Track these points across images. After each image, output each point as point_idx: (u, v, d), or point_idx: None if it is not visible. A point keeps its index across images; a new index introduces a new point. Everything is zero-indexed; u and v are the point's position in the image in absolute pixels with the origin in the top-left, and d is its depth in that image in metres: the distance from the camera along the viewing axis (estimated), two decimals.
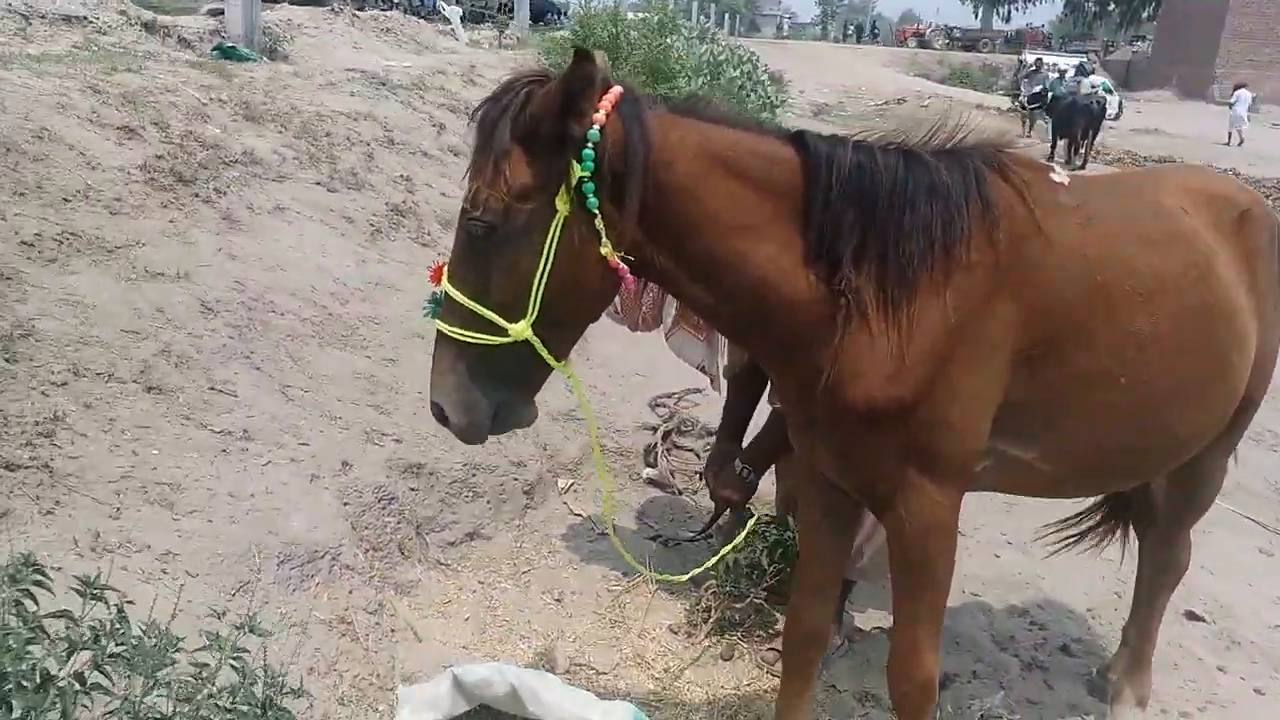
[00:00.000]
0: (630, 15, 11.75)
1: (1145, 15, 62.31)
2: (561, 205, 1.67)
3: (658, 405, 4.39)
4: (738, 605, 3.01)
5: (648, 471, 3.85)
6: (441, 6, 12.91)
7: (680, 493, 3.80)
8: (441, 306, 1.77)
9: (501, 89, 1.70)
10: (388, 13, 10.53)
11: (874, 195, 1.83)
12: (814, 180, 1.81)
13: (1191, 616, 3.47)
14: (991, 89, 39.37)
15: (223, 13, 7.71)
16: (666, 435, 4.02)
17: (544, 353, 1.75)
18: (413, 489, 3.16)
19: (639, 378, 4.64)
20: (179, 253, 3.58)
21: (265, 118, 5.25)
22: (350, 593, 2.64)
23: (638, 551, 3.38)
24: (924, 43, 52.67)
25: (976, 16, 70.28)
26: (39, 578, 1.45)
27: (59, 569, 2.01)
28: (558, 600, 3.09)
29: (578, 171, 1.65)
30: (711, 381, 3.22)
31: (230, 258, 3.74)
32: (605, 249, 1.70)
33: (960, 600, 3.44)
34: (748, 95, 15.60)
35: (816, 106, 31.61)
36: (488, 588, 3.08)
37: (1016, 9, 70.36)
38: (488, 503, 3.37)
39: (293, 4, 10.30)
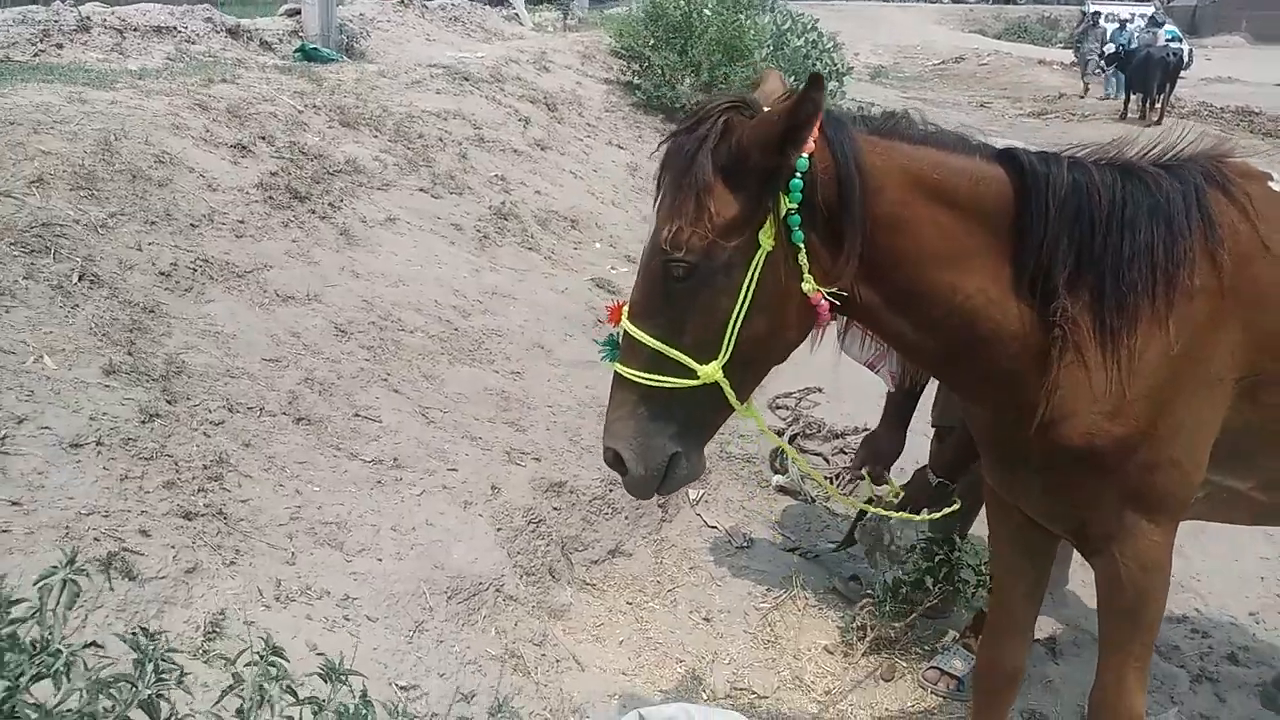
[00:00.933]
0: None
1: None
2: (766, 240, 1.57)
3: (778, 407, 4.30)
4: (895, 624, 2.94)
5: (777, 479, 3.77)
6: None
7: (813, 500, 3.73)
8: (620, 348, 1.68)
9: (696, 118, 1.60)
10: (455, 2, 10.47)
11: (1092, 218, 1.70)
12: (1028, 203, 1.68)
13: None
14: (1051, 42, 38.16)
15: (299, 12, 7.73)
16: (793, 439, 3.94)
17: (731, 395, 1.65)
18: (555, 509, 3.13)
19: None
20: (305, 273, 3.58)
21: (360, 122, 5.24)
22: (516, 624, 2.62)
23: (779, 565, 3.34)
24: None
25: None
26: (279, 660, 1.42)
27: (251, 623, 2.00)
28: (706, 620, 3.04)
29: (785, 204, 1.56)
30: (890, 379, 3.10)
31: (354, 275, 3.74)
32: (808, 285, 1.60)
33: None
34: (814, 64, 15.33)
35: (873, 69, 31.00)
36: (636, 608, 3.05)
37: None
38: (625, 518, 3.33)
39: None
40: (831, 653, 2.94)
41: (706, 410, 1.69)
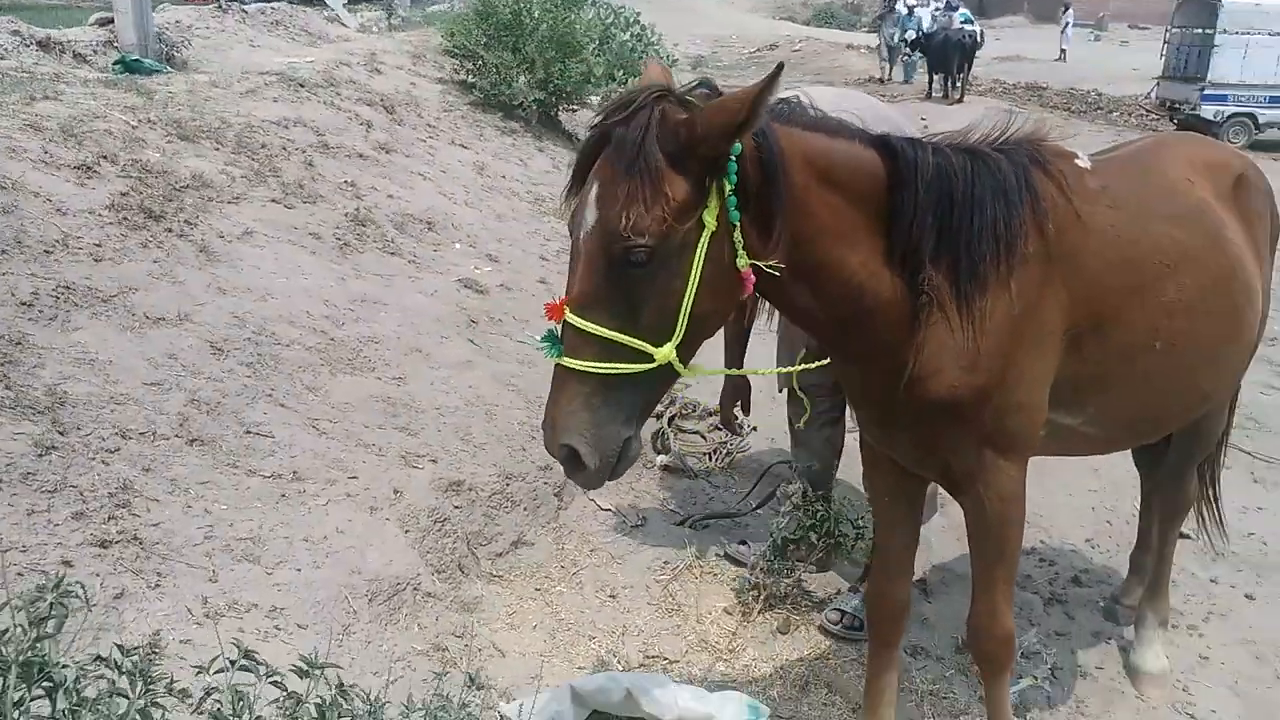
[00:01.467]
0: None
1: None
2: (710, 220, 1.66)
3: None
4: (785, 580, 3.17)
5: (661, 459, 3.96)
6: None
7: (696, 475, 3.93)
8: (565, 342, 1.68)
9: (622, 106, 1.66)
10: (273, 5, 10.12)
11: (951, 197, 1.92)
12: (900, 185, 1.88)
13: (1180, 535, 3.78)
14: (856, 27, 40.04)
15: (112, 21, 7.34)
16: (671, 420, 4.13)
17: (683, 370, 1.74)
18: (457, 507, 3.21)
19: None
20: (172, 294, 3.49)
21: (199, 135, 5.09)
22: (436, 620, 2.69)
23: (673, 538, 3.52)
24: None
25: None
26: (254, 661, 1.46)
27: (188, 641, 2.01)
28: (612, 597, 3.19)
29: (727, 186, 1.66)
30: None
31: (221, 292, 3.67)
32: (743, 260, 1.71)
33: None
34: (640, 57, 15.60)
35: (692, 59, 31.69)
36: (544, 593, 3.16)
37: None
38: (524, 510, 3.43)
39: (174, 3, 9.84)
40: (730, 614, 3.15)
41: (656, 389, 1.79)
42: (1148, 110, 17.72)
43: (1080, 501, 4.03)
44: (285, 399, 3.28)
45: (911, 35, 21.38)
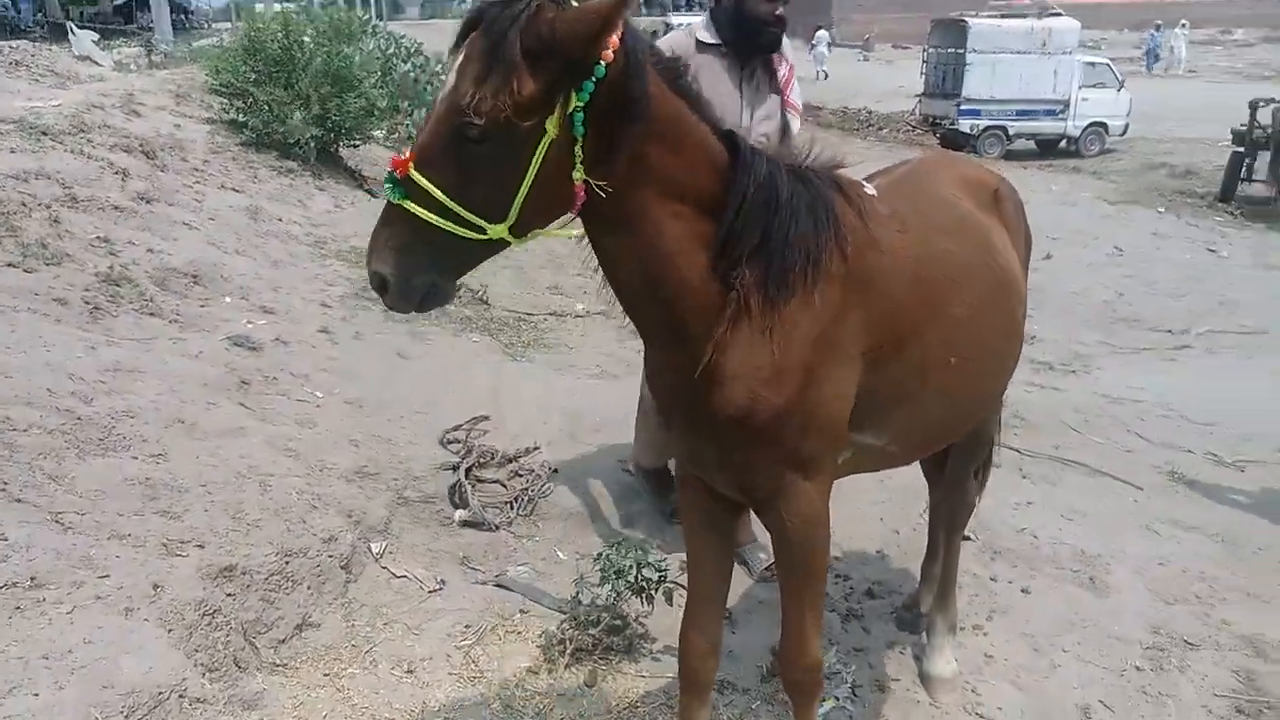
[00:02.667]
0: (294, 10, 11.05)
1: None
2: (551, 128, 1.70)
3: (450, 441, 4.33)
4: (591, 632, 3.10)
5: (459, 514, 3.81)
6: (70, 30, 11.51)
7: (497, 528, 3.80)
8: (407, 190, 1.72)
9: None
10: (14, 45, 9.25)
11: (775, 204, 1.97)
12: (736, 180, 1.94)
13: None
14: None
15: None
16: (469, 471, 3.98)
17: (516, 242, 1.82)
18: (230, 594, 2.94)
19: (420, 415, 4.55)
20: None
21: None
22: None
23: (475, 599, 3.38)
24: None
25: None
26: None
27: None
28: (409, 672, 3.01)
29: (575, 100, 1.70)
30: None
31: None
32: (578, 174, 1.76)
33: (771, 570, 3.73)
34: (424, 88, 15.34)
35: None
36: (334, 678, 2.95)
37: None
38: (308, 589, 3.20)
39: None
40: (536, 672, 3.04)
41: (479, 253, 1.83)
42: (913, 126, 18.99)
43: (869, 513, 4.18)
44: (23, 492, 2.92)
45: None
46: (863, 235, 2.14)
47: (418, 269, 1.77)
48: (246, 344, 4.66)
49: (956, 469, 3.16)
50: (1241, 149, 13.54)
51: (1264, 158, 12.97)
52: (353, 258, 7.13)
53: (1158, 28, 35.01)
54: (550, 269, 8.50)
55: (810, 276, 2.01)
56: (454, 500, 3.89)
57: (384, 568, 3.47)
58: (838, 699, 3.03)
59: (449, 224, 1.73)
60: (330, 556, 3.34)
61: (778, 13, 3.22)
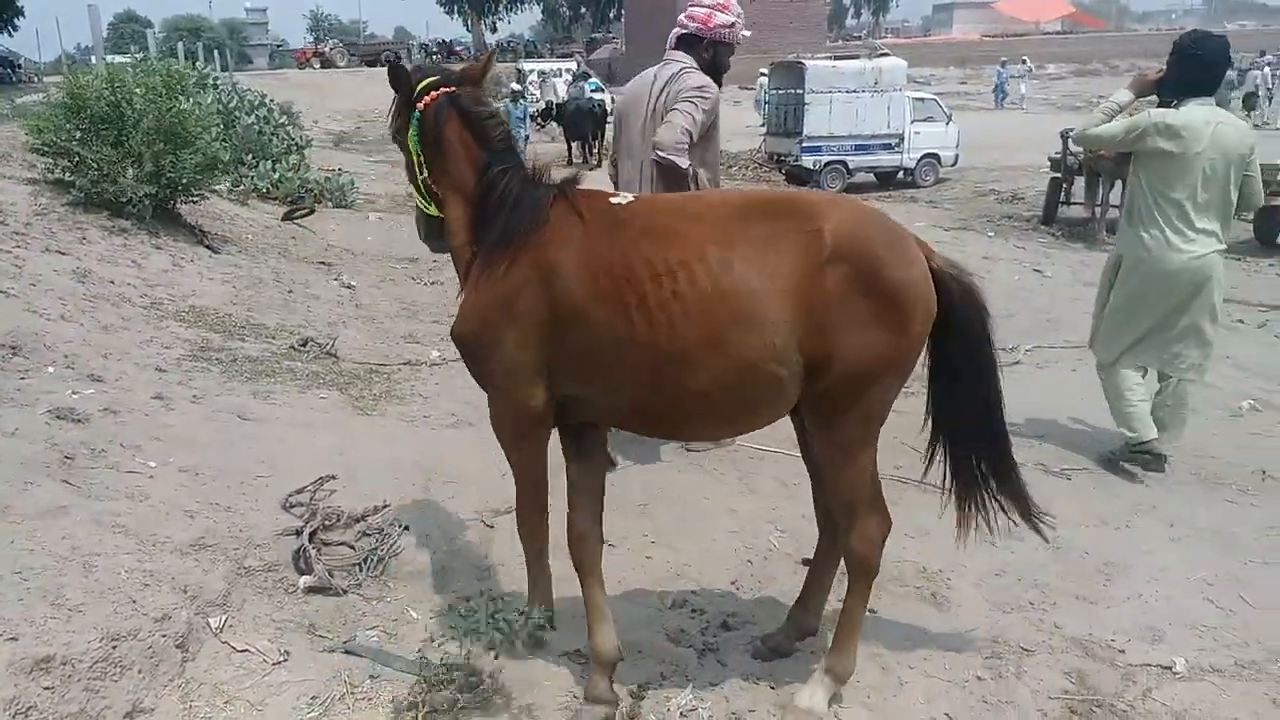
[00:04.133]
0: (129, 64, 10.61)
1: (612, 14, 69.12)
2: (411, 145, 3.05)
3: (293, 505, 4.18)
4: (444, 692, 3.03)
5: (304, 580, 3.67)
6: None
7: (345, 591, 3.68)
8: None
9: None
10: None
11: (501, 203, 2.92)
12: (483, 187, 2.97)
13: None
14: (499, 98, 41.15)
15: None
16: (313, 535, 3.85)
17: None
18: (47, 688, 2.75)
19: (262, 480, 4.37)
20: None
21: None
22: None
23: (323, 669, 3.26)
24: (326, 61, 53.40)
25: (468, 28, 73.08)
26: None
27: None
28: None
29: (411, 131, 3.02)
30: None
31: None
32: (422, 175, 3.08)
33: (633, 609, 3.74)
34: (269, 140, 14.97)
35: (335, 135, 31.08)
36: None
37: (500, 19, 74.22)
38: (140, 672, 3.02)
39: None
40: None
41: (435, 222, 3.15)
42: (760, 163, 19.65)
43: (722, 546, 4.25)
44: None
45: (540, 105, 21.85)
46: (561, 230, 2.85)
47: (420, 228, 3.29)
48: (71, 416, 4.40)
49: (837, 519, 3.17)
50: (1059, 175, 14.57)
51: (1080, 182, 13.98)
52: (191, 318, 6.86)
53: (1003, 64, 37.15)
54: (404, 318, 8.39)
55: (506, 254, 2.82)
56: (298, 566, 3.75)
57: (224, 643, 3.31)
58: None
59: (421, 201, 3.15)
60: (164, 636, 3.17)
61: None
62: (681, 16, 4.54)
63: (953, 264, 2.96)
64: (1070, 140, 13.85)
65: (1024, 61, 37.73)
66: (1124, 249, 5.34)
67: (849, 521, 3.06)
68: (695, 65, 4.43)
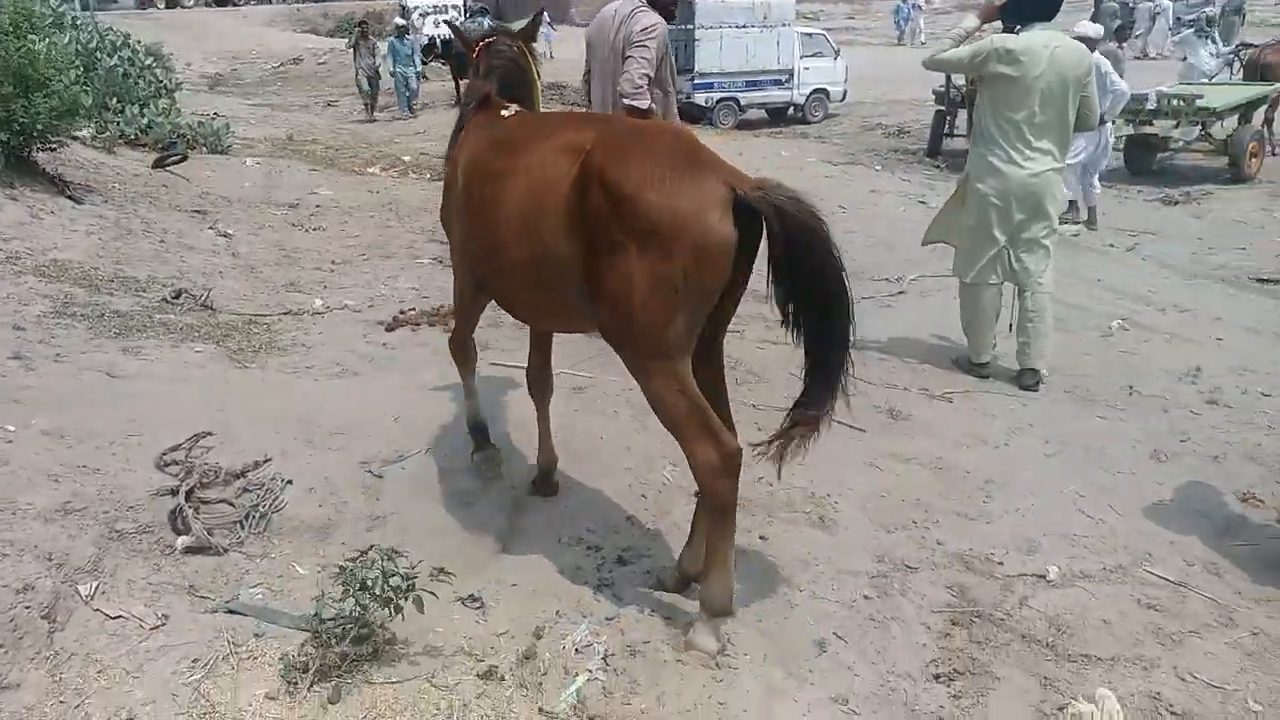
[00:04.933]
0: None
1: None
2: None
3: (167, 464, 3.99)
4: (336, 648, 2.95)
5: (182, 541, 3.52)
6: None
7: (226, 550, 3.55)
8: None
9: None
10: None
11: (463, 110, 3.95)
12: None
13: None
14: (381, 35, 39.80)
15: None
16: (190, 494, 3.69)
17: None
18: None
19: (134, 439, 4.16)
20: None
21: None
22: None
23: (204, 630, 3.14)
24: (172, 2, 49.61)
25: None
26: None
27: None
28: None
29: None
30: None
31: None
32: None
33: (528, 550, 3.72)
34: (135, 82, 14.11)
35: (210, 79, 29.71)
36: None
37: None
38: (1, 648, 2.86)
39: None
40: (275, 698, 2.87)
41: None
42: None
43: (618, 482, 4.25)
44: None
45: (424, 40, 20.83)
46: (466, 140, 3.66)
47: None
48: None
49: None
50: (943, 108, 14.85)
51: (963, 115, 14.29)
52: (53, 272, 6.48)
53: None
54: (285, 265, 8.10)
55: (452, 150, 3.87)
56: (175, 527, 3.60)
57: (96, 610, 3.15)
58: (590, 671, 3.06)
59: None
60: (27, 608, 3.00)
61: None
62: None
63: (767, 186, 2.81)
64: (922, 65, 14.13)
65: None
66: (971, 169, 5.58)
67: (683, 448, 2.98)
68: (646, 4, 4.89)
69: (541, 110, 4.12)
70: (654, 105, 4.84)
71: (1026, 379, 5.54)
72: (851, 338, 3.01)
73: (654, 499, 4.14)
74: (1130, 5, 30.03)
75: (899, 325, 6.68)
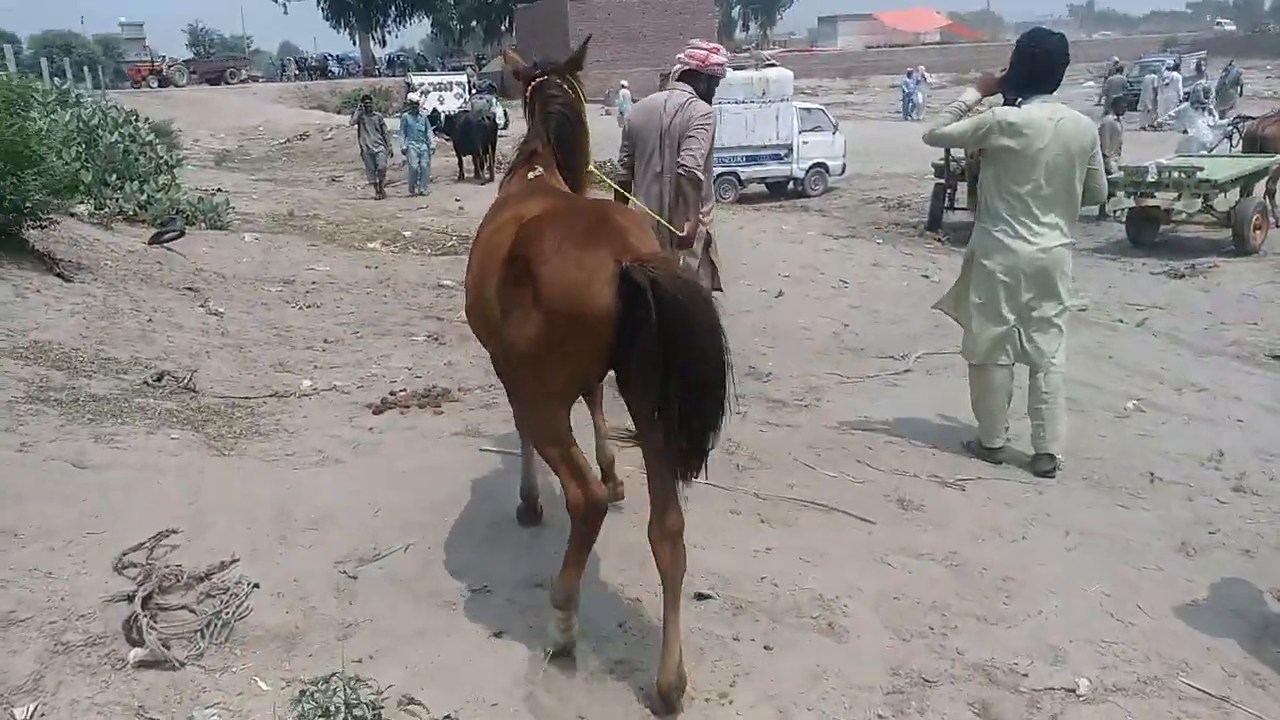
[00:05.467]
0: None
1: (503, 28, 68.63)
2: None
3: (126, 566, 3.73)
4: None
5: (134, 654, 3.23)
6: None
7: (182, 664, 3.26)
8: None
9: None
10: None
11: None
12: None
13: (701, 597, 3.84)
14: (388, 113, 40.47)
15: None
16: (147, 600, 3.42)
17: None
18: None
19: (94, 537, 3.91)
20: None
21: None
22: None
23: None
24: (165, 80, 50.64)
25: (355, 43, 71.51)
26: None
27: None
28: None
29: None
30: None
31: None
32: None
33: (513, 660, 3.43)
34: (135, 159, 14.15)
35: (217, 154, 30.05)
36: None
37: (389, 32, 72.86)
38: None
39: None
40: None
41: None
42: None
43: (612, 582, 3.97)
44: None
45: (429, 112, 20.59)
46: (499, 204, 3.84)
47: None
48: None
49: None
50: (942, 180, 14.82)
51: (963, 187, 14.24)
52: (31, 354, 6.28)
53: (909, 74, 37.65)
54: (276, 344, 7.90)
55: None
56: (129, 637, 3.32)
57: None
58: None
59: None
60: None
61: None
62: (682, 55, 5.45)
63: (654, 260, 2.94)
64: (922, 140, 14.14)
65: (920, 70, 38.58)
66: (976, 245, 5.41)
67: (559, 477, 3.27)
68: (695, 94, 5.29)
69: (589, 155, 4.37)
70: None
71: (1042, 464, 5.28)
72: (720, 425, 2.95)
73: (650, 603, 3.85)
74: (1130, 81, 30.41)
75: (906, 405, 6.43)
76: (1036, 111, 5.08)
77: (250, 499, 4.47)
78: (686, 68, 5.43)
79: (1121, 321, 8.96)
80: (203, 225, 13.28)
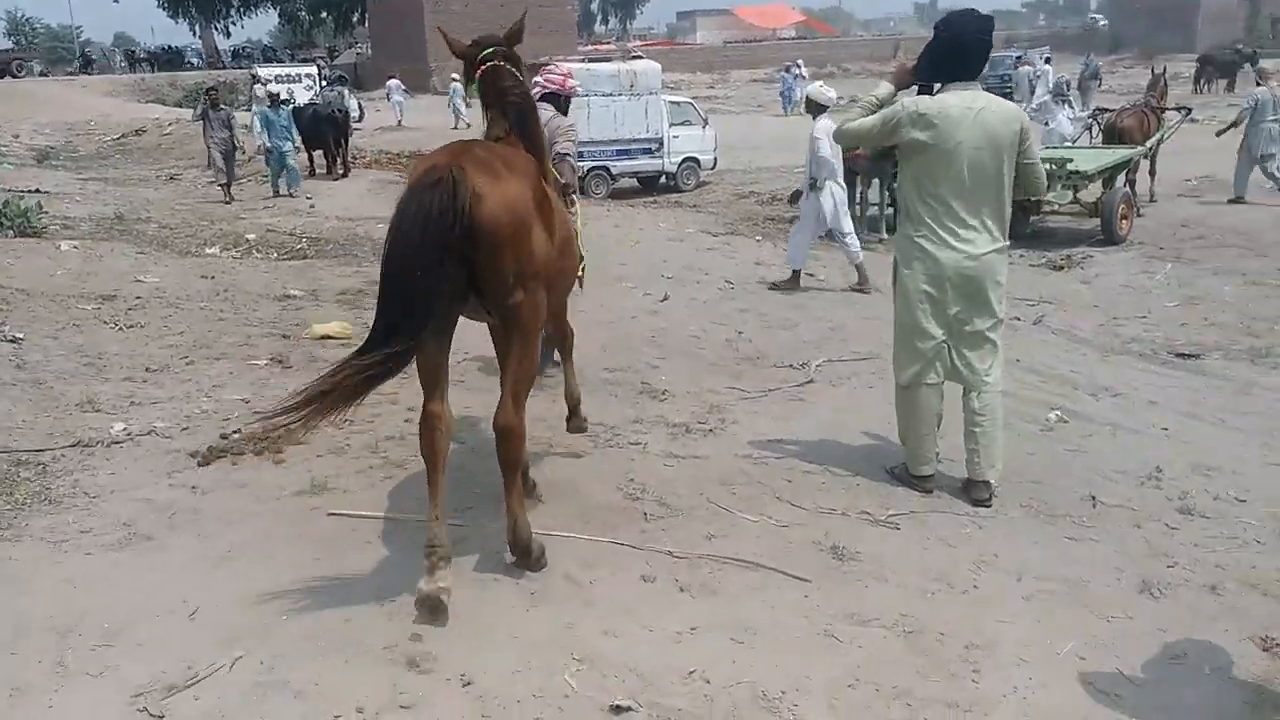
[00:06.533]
0: None
1: (355, 19, 66.11)
2: None
3: None
4: None
5: None
6: None
7: None
8: None
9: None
10: None
11: None
12: None
13: (618, 710, 3.06)
14: (235, 105, 38.20)
15: None
16: None
17: None
18: None
19: None
20: None
21: None
22: None
23: None
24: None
25: (195, 33, 67.42)
26: None
27: None
28: None
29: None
30: None
31: None
32: None
33: None
34: None
35: (40, 151, 27.69)
36: None
37: (234, 24, 69.01)
38: None
39: None
40: None
41: None
42: None
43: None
44: None
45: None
46: None
47: None
48: None
49: None
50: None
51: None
52: None
53: (787, 69, 37.55)
54: (86, 376, 6.68)
55: None
56: None
57: None
58: None
59: None
60: None
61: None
62: (540, 79, 6.05)
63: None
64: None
65: (798, 66, 38.58)
66: (898, 253, 4.83)
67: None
68: (556, 112, 5.96)
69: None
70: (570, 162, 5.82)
71: (978, 493, 4.73)
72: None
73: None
74: (1002, 75, 31.05)
75: (817, 424, 5.83)
76: (952, 100, 4.52)
77: (21, 607, 3.42)
78: (547, 90, 6.08)
79: (1019, 319, 8.65)
80: (10, 233, 11.68)
